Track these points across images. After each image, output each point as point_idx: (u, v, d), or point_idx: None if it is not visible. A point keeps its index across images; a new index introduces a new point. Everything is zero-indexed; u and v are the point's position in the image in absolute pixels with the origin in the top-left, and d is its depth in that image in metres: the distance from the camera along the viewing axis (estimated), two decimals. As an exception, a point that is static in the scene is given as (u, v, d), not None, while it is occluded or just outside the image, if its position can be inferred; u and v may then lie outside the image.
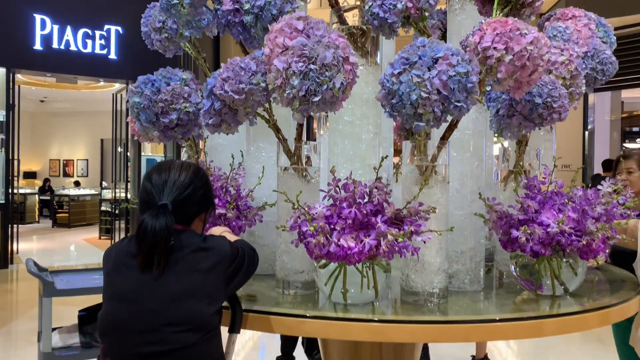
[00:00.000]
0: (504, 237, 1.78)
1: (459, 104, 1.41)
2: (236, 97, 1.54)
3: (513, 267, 1.84)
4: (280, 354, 3.83)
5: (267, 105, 1.70)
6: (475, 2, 1.98)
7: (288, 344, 3.76)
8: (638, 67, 8.59)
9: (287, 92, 1.42)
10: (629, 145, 12.03)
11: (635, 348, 1.92)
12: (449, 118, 1.53)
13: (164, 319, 1.28)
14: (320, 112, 1.50)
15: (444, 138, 1.66)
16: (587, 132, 9.15)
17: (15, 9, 7.72)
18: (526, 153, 2.04)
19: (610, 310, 1.71)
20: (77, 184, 17.25)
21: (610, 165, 7.87)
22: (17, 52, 7.81)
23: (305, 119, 1.67)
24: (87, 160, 18.14)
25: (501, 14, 1.90)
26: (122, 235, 10.35)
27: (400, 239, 1.50)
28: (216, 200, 1.85)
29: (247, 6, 1.76)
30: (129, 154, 10.13)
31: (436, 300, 1.65)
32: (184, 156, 2.18)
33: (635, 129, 13.04)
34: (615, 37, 2.34)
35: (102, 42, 8.35)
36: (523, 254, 1.78)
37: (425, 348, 3.74)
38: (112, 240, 10.49)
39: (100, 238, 12.02)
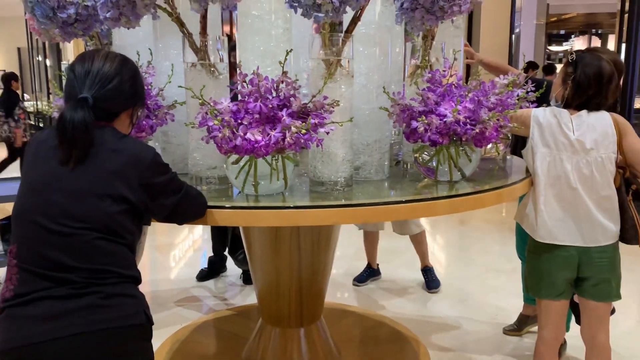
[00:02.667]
0: (407, 129, 1.89)
1: (356, -5, 1.43)
2: (132, -12, 1.49)
3: (415, 157, 1.96)
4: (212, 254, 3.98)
5: (167, -3, 1.65)
6: None
7: (218, 244, 3.89)
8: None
9: (182, -19, 1.38)
10: (553, 48, 12.48)
11: (520, 223, 2.14)
12: (350, 9, 1.55)
13: (65, 213, 1.29)
14: (218, 2, 1.48)
15: (348, 31, 1.69)
16: (513, 36, 9.35)
17: None
18: (433, 48, 2.11)
19: (502, 191, 1.89)
20: (-6, 96, 16.14)
21: (533, 67, 8.15)
22: None
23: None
24: (3, 70, 16.86)
25: None
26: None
27: (303, 131, 1.56)
28: (125, 99, 1.83)
29: None
30: (47, 62, 9.52)
31: (341, 188, 1.76)
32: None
33: (562, 32, 13.43)
34: None
35: None
36: (425, 145, 1.90)
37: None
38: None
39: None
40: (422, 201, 1.66)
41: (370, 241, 3.75)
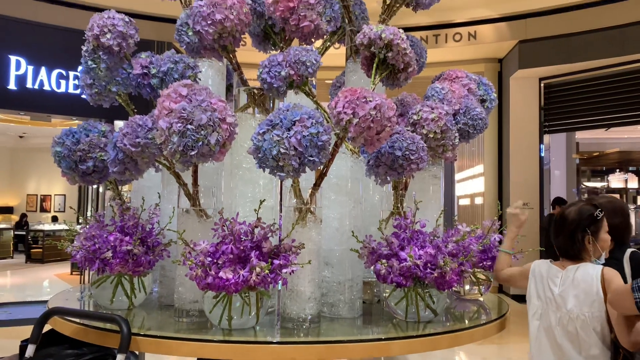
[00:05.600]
0: (376, 270, 2.05)
1: (312, 158, 1.70)
2: (133, 149, 1.82)
3: (385, 295, 2.10)
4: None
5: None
6: (362, 67, 2.30)
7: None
8: (589, 110, 9.09)
9: (169, 147, 1.70)
10: (590, 184, 12.50)
11: None
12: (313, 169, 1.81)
13: None
14: (201, 162, 1.78)
15: (316, 185, 1.95)
16: (543, 172, 9.56)
17: (-9, 51, 8.05)
18: (408, 196, 2.34)
19: (460, 334, 1.97)
20: (54, 219, 17.27)
21: (559, 203, 8.20)
22: (-8, 92, 8.10)
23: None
24: (64, 195, 18.21)
25: (380, 77, 2.22)
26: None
27: (266, 271, 1.76)
28: (127, 238, 2.11)
29: (153, 71, 2.06)
30: (100, 189, 10.32)
31: (308, 324, 1.91)
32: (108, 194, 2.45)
33: (600, 169, 13.50)
34: (495, 95, 2.69)
35: (76, 82, 8.66)
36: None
37: None
38: (82, 276, 10.55)
39: (71, 273, 12.06)
40: (374, 341, 1.77)
41: None
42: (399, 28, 2.14)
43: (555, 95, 9.51)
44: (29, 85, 8.35)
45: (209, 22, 1.98)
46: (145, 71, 2.07)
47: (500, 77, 10.06)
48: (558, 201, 8.30)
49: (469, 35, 9.32)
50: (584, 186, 11.62)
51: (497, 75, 10.05)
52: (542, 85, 9.55)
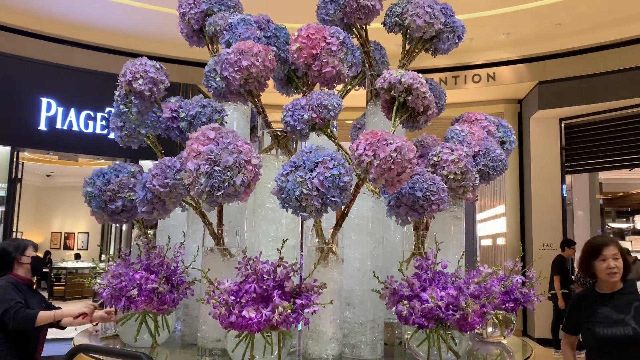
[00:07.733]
0: (397, 311, 2.05)
1: (334, 199, 1.75)
2: (162, 190, 1.89)
3: (406, 337, 2.09)
4: None
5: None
6: (382, 110, 2.36)
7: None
8: (611, 150, 9.02)
9: (196, 187, 1.76)
10: (613, 225, 12.27)
11: None
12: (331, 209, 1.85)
13: None
14: (227, 202, 1.84)
15: (338, 225, 1.98)
16: (566, 212, 9.43)
17: (24, 93, 8.37)
18: (429, 236, 2.35)
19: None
20: (77, 256, 17.47)
21: (569, 245, 7.97)
22: (23, 132, 8.37)
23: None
24: (87, 233, 18.46)
25: (400, 120, 2.27)
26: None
27: (288, 310, 1.78)
28: (152, 276, 2.15)
29: (182, 114, 2.14)
30: (124, 227, 10.46)
31: (329, 365, 1.91)
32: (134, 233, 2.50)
33: (616, 209, 13.27)
34: (514, 137, 2.72)
35: (103, 123, 8.92)
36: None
37: None
38: (103, 314, 10.57)
39: (92, 311, 12.11)
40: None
41: None
42: (418, 70, 2.21)
43: (576, 135, 9.47)
44: (58, 126, 8.62)
45: (235, 68, 2.07)
46: (174, 115, 2.16)
47: (520, 117, 10.08)
48: (568, 243, 8.12)
49: (488, 76, 9.42)
50: (608, 227, 11.40)
51: (517, 115, 10.08)
52: (562, 125, 9.53)
